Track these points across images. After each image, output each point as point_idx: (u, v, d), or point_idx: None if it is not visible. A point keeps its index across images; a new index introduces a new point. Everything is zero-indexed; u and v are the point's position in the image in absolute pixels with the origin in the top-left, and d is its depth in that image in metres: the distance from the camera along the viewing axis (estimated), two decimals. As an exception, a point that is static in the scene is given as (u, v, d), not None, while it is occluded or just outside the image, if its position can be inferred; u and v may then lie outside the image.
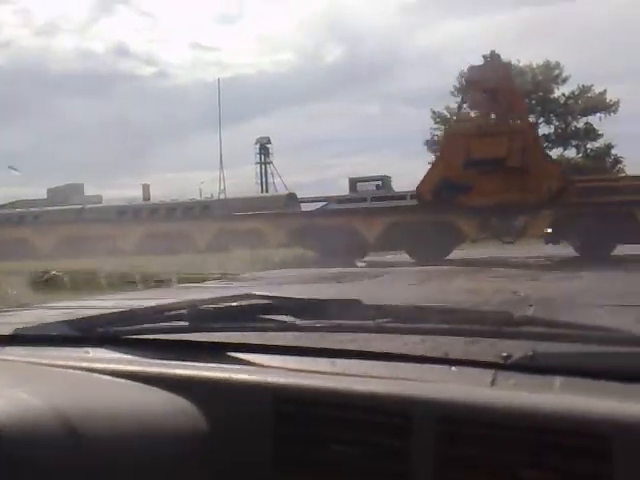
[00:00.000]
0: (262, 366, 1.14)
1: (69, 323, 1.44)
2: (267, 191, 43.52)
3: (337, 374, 1.06)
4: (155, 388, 1.08)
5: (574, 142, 44.54)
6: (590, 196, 17.83)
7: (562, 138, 44.68)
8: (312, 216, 21.26)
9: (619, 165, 43.64)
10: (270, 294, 1.46)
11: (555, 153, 44.97)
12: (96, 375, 1.12)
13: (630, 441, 0.80)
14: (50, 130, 59.70)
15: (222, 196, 39.46)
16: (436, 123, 46.47)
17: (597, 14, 56.64)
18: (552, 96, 44.57)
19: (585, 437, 0.83)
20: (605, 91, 42.96)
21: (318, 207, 28.43)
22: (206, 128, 65.23)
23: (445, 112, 46.27)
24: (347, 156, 69.20)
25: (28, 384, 1.02)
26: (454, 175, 18.26)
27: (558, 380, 0.95)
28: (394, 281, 12.56)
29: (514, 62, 44.79)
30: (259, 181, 46.17)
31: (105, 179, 53.60)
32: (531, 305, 7.44)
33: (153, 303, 1.57)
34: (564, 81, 44.14)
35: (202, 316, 1.39)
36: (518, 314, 1.24)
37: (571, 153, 44.63)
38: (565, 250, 18.57)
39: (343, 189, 38.24)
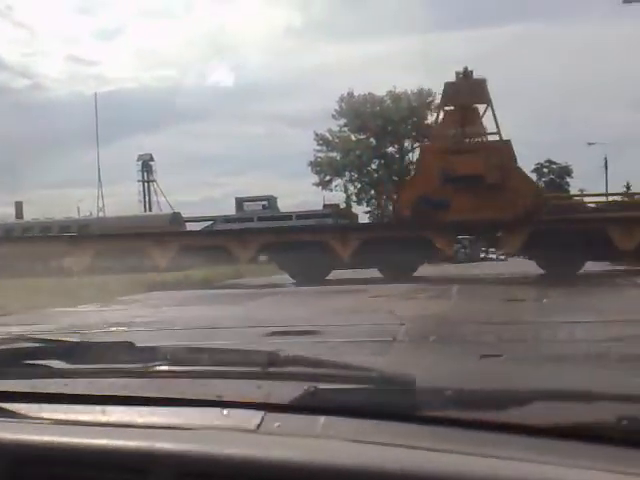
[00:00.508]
0: (24, 417, 1.06)
1: None
2: (150, 210, 42.52)
3: (106, 424, 1.01)
4: None
5: (447, 166, 47.25)
6: (560, 213, 18.32)
7: (436, 162, 47.27)
8: (285, 232, 20.24)
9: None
10: (37, 336, 1.41)
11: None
12: None
13: None
14: None
15: (101, 214, 38.15)
16: (319, 145, 47.72)
17: (464, 46, 60.55)
18: (426, 122, 46.97)
19: None
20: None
21: (204, 226, 28.18)
22: (85, 143, 62.76)
23: (327, 134, 47.59)
24: (233, 175, 69.09)
25: None
26: (432, 191, 18.34)
27: (322, 420, 0.96)
28: (271, 302, 12.72)
29: (391, 89, 47.22)
30: (142, 199, 45.07)
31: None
32: (403, 324, 7.87)
33: None
34: (437, 108, 46.79)
35: None
36: (285, 354, 1.26)
37: (445, 176, 47.27)
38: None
39: (230, 208, 38.24)
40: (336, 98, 47.27)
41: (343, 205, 42.91)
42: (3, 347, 1.38)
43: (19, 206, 37.67)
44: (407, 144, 47.97)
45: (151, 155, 45.00)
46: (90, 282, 14.37)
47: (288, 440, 0.91)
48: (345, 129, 47.71)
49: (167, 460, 0.88)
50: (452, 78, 20.68)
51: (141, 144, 60.67)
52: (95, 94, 43.95)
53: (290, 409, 0.99)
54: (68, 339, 1.42)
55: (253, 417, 0.97)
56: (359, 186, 47.81)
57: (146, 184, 45.23)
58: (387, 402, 1.00)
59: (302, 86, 66.75)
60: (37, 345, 1.38)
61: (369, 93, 46.86)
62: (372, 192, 47.83)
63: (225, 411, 1.00)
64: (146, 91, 62.78)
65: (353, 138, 47.55)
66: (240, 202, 37.85)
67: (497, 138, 19.76)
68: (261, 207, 36.63)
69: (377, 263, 18.20)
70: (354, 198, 47.19)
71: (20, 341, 1.45)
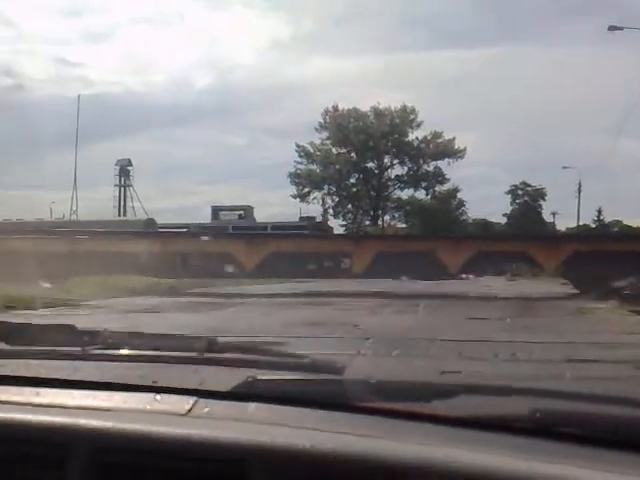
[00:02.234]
0: None
1: None
2: (125, 215, 42.18)
3: (38, 405, 1.01)
4: None
5: (424, 184, 47.61)
6: None
7: (413, 180, 47.60)
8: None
9: (463, 208, 47.28)
10: None
11: (407, 193, 47.91)
12: None
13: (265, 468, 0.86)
14: None
15: (74, 217, 37.71)
16: (300, 157, 47.84)
17: (449, 66, 61.33)
18: (406, 139, 47.41)
19: (229, 464, 0.86)
20: (454, 138, 46.47)
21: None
22: (63, 145, 61.77)
23: (309, 147, 47.74)
24: (210, 184, 68.77)
25: None
26: None
27: (252, 406, 0.98)
28: (237, 312, 12.65)
29: (374, 104, 47.63)
30: (117, 204, 44.67)
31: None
32: (368, 338, 7.88)
33: None
34: (418, 126, 47.21)
35: None
36: (223, 340, 1.29)
37: (421, 194, 47.72)
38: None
39: (204, 217, 38.13)
40: (320, 111, 47.55)
41: (319, 218, 43.19)
42: None
43: (-9, 206, 37.16)
44: (387, 160, 48.37)
45: (129, 160, 44.66)
46: (55, 285, 14.18)
47: (215, 423, 0.93)
48: (327, 142, 47.96)
49: (86, 436, 0.90)
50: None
51: (120, 149, 60.07)
52: (78, 96, 43.51)
53: (222, 395, 1.01)
54: (6, 320, 1.42)
55: (185, 402, 0.99)
56: (337, 199, 48.02)
57: (122, 189, 44.88)
58: (315, 390, 1.04)
59: (287, 98, 67.01)
60: None
61: (353, 108, 47.21)
62: (349, 206, 48.06)
63: (158, 396, 1.01)
64: (130, 95, 62.30)
65: (334, 152, 47.79)
66: (216, 211, 37.83)
67: None
68: (237, 217, 36.66)
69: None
70: (331, 211, 47.39)
71: None
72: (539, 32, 63.93)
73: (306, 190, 47.20)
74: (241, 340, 1.44)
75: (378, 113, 46.96)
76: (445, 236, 25.25)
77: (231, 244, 20.26)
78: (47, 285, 14.27)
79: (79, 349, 1.24)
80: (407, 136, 47.32)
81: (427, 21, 63.73)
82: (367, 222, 47.23)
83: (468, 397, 1.04)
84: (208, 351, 1.21)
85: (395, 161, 48.22)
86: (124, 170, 44.55)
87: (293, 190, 47.43)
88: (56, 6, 72.96)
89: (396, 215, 48.09)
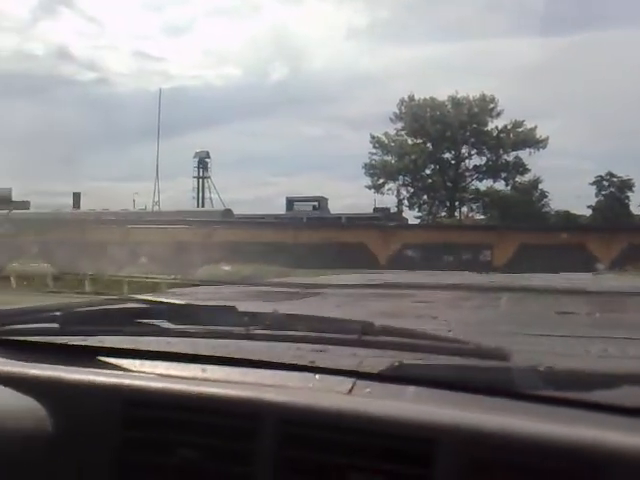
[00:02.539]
0: (130, 371, 1.14)
1: None
2: (203, 206, 43.18)
3: (205, 380, 1.08)
4: (5, 388, 1.10)
5: (503, 175, 46.23)
6: None
7: (492, 170, 46.30)
8: None
9: (545, 199, 45.64)
10: (147, 298, 1.49)
11: (485, 184, 46.67)
12: None
13: (454, 448, 0.87)
14: (-23, 131, 57.29)
15: (156, 208, 38.90)
16: (374, 148, 47.44)
17: (532, 52, 59.31)
18: (485, 129, 46.13)
19: (414, 442, 0.89)
20: (536, 127, 44.87)
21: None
22: (144, 138, 63.86)
23: (384, 138, 47.31)
24: (285, 175, 69.48)
25: None
26: None
27: (411, 389, 1.00)
28: (321, 301, 12.60)
29: (452, 93, 46.70)
30: (195, 195, 45.76)
31: (34, 185, 51.78)
32: (450, 330, 7.64)
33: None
34: (498, 115, 45.82)
35: (75, 319, 1.39)
36: (380, 323, 1.30)
37: (500, 185, 46.35)
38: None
39: (280, 208, 38.50)
40: (395, 101, 46.94)
41: (394, 209, 42.76)
42: (114, 307, 1.52)
43: (77, 197, 38.83)
44: (464, 150, 47.30)
45: (207, 152, 45.60)
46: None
47: (379, 402, 0.96)
48: (402, 133, 47.34)
49: (273, 409, 0.97)
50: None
51: (198, 141, 61.53)
52: (160, 90, 44.76)
53: (381, 378, 1.04)
54: (174, 301, 1.52)
55: (345, 382, 1.04)
56: (412, 191, 47.36)
57: (201, 180, 45.93)
58: (479, 377, 1.04)
59: (362, 89, 66.54)
60: (145, 306, 1.48)
61: (430, 97, 46.34)
62: (425, 197, 47.33)
63: (317, 376, 1.07)
64: (208, 89, 63.48)
65: (409, 142, 47.13)
66: (291, 202, 38.10)
67: None
68: (311, 208, 36.79)
69: None
70: (406, 202, 46.80)
71: (130, 301, 1.56)
72: (626, 16, 60.70)
73: (381, 181, 46.81)
74: (396, 324, 1.42)
75: (456, 102, 45.89)
76: (594, 227, 24.17)
77: (365, 234, 20.04)
78: (227, 268, 14.51)
79: (240, 329, 1.31)
80: (486, 125, 46.00)
81: (507, 6, 61.80)
82: (443, 213, 46.39)
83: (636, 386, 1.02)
84: (363, 334, 1.24)
85: (473, 151, 47.01)
86: (203, 162, 45.55)
87: (367, 181, 47.13)
88: (137, 1, 75.38)
89: (474, 206, 47.01)
